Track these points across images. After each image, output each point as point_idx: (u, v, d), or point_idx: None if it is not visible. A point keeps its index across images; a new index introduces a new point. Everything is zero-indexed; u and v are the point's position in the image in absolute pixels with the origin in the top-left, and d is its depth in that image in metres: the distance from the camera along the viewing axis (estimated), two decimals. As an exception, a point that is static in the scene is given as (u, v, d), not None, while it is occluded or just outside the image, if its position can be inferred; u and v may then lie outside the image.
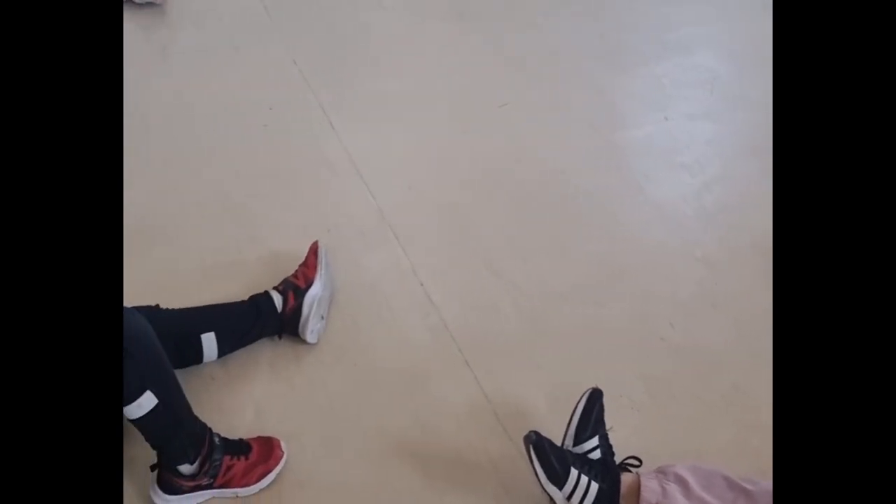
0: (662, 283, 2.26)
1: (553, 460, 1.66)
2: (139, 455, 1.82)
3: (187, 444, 1.74)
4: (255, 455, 1.84)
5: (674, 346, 2.10)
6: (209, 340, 1.97)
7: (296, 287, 2.09)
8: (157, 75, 2.88)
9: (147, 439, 1.73)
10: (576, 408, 1.77)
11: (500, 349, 2.09)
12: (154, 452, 1.76)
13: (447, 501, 1.81)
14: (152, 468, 1.78)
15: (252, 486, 1.82)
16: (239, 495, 1.82)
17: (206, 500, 1.81)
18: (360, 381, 2.02)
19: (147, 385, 1.65)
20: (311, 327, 2.06)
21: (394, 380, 2.02)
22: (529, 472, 1.76)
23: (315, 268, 2.14)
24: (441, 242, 2.34)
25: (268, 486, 1.83)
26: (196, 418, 1.78)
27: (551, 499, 1.72)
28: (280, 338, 2.09)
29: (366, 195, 2.47)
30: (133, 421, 1.68)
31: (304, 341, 2.08)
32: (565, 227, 2.41)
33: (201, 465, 1.77)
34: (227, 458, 1.80)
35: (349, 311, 2.16)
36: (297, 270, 2.14)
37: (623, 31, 3.14)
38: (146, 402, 1.65)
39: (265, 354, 2.07)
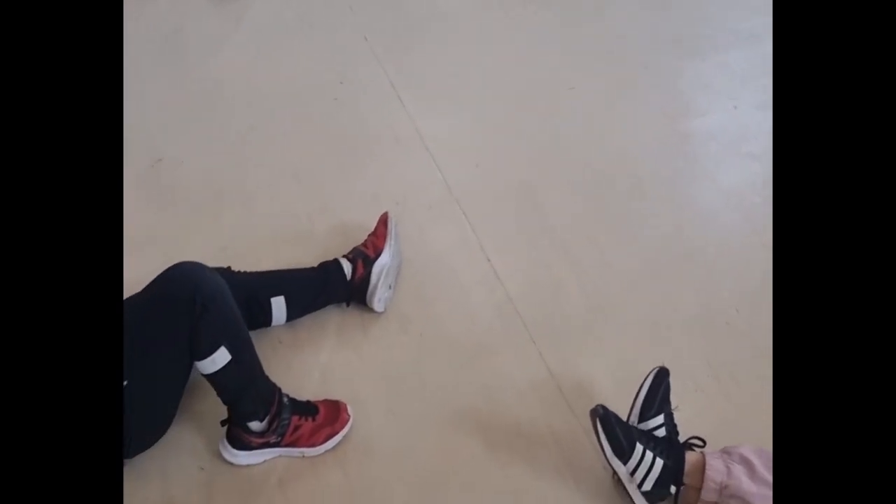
0: (729, 268, 2.25)
1: (619, 434, 1.67)
2: (209, 410, 1.87)
3: (258, 402, 1.78)
4: (322, 417, 1.87)
5: (739, 330, 2.10)
6: (279, 304, 2.00)
7: (365, 256, 2.12)
8: (232, 47, 2.94)
9: (220, 395, 1.78)
10: (642, 385, 1.78)
11: (565, 327, 2.10)
12: (224, 409, 1.81)
13: (509, 472, 1.83)
14: (223, 423, 1.83)
15: (318, 447, 1.86)
16: (305, 455, 1.86)
17: (273, 458, 1.85)
18: (425, 351, 2.05)
19: (221, 341, 1.70)
20: (379, 296, 2.09)
21: (458, 351, 2.04)
22: (592, 447, 1.77)
23: (384, 238, 2.16)
24: (508, 220, 2.35)
25: (333, 447, 1.86)
26: (267, 377, 1.82)
27: (614, 473, 1.73)
28: (348, 305, 2.13)
29: (434, 170, 2.49)
30: (207, 376, 1.73)
31: (371, 310, 2.11)
32: (633, 209, 2.41)
33: (270, 423, 1.80)
34: (295, 417, 1.83)
35: (416, 283, 2.19)
36: (366, 240, 2.17)
37: (693, 18, 3.12)
38: (220, 357, 1.70)
39: (333, 321, 2.10)
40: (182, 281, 1.70)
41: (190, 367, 1.75)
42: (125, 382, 1.64)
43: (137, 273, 1.75)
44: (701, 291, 2.19)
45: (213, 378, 1.74)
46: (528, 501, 1.79)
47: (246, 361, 1.76)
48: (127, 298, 1.74)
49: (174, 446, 1.85)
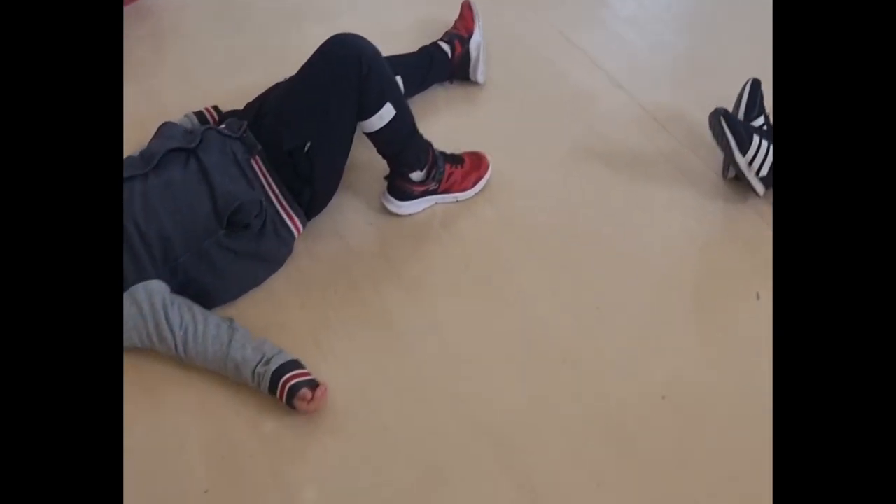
0: None
1: (740, 128, 1.99)
2: (358, 179, 2.09)
3: (418, 152, 2.00)
4: (468, 164, 2.11)
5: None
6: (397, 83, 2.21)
7: (459, 36, 2.34)
8: None
9: (383, 150, 1.98)
10: (742, 91, 2.09)
11: (650, 69, 2.39)
12: (379, 170, 2.02)
13: (631, 189, 2.13)
14: (386, 178, 2.04)
15: (469, 191, 2.11)
16: (458, 199, 2.10)
17: (430, 207, 2.09)
18: (528, 110, 2.31)
19: (387, 97, 1.90)
20: (481, 69, 2.33)
21: (558, 108, 2.32)
22: (699, 159, 2.09)
23: (472, 19, 2.38)
24: None
25: (480, 190, 2.11)
26: (421, 133, 2.03)
27: (728, 170, 2.06)
28: (451, 82, 2.35)
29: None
30: (372, 134, 1.93)
31: (472, 83, 2.34)
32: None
33: (428, 172, 2.03)
34: (447, 165, 2.07)
35: (503, 59, 2.43)
36: (455, 24, 2.38)
37: None
38: (386, 112, 1.90)
39: (440, 97, 2.33)
40: (346, 46, 1.88)
41: (354, 128, 1.95)
42: (308, 144, 1.84)
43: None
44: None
45: (378, 134, 1.93)
46: (657, 206, 2.09)
47: (407, 116, 1.97)
48: (293, 75, 1.92)
49: (338, 210, 2.06)
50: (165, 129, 2.01)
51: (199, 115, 2.17)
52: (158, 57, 2.52)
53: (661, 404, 1.70)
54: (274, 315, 1.86)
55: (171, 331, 1.71)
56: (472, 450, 1.65)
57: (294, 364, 1.70)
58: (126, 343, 1.73)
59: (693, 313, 1.87)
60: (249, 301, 1.90)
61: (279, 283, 1.93)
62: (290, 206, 1.89)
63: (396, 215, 2.07)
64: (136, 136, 2.08)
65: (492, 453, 1.65)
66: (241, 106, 2.13)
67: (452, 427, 1.69)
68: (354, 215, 2.08)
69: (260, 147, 1.88)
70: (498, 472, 1.62)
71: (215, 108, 2.20)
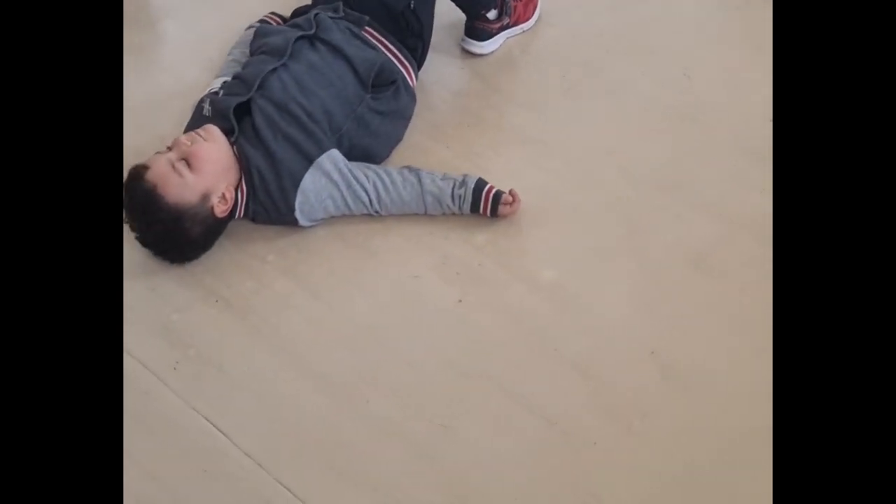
0: None
1: None
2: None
3: (492, -9, 2.23)
4: (524, -4, 2.36)
5: None
6: None
7: None
8: None
9: (461, -2, 2.20)
10: None
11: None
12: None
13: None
14: (466, 24, 2.26)
15: (531, 20, 2.36)
16: (524, 30, 2.36)
17: (504, 42, 2.33)
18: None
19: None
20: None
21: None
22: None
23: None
24: None
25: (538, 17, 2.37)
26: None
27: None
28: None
29: None
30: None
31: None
32: None
33: (500, 10, 2.27)
34: (511, 1, 2.31)
35: None
36: None
37: None
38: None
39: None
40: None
41: None
42: (412, 1, 2.04)
43: None
44: None
45: None
46: None
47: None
48: None
49: (431, 65, 2.24)
50: (261, 30, 2.13)
51: (264, 21, 2.29)
52: None
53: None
54: (426, 162, 2.04)
55: (363, 187, 1.90)
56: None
57: (483, 180, 1.93)
58: (322, 214, 1.91)
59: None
60: (400, 157, 2.09)
61: (416, 136, 2.14)
62: (409, 62, 2.10)
63: (481, 55, 2.30)
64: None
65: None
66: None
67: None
68: (445, 68, 2.29)
69: (367, 18, 2.06)
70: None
71: (274, 13, 2.32)
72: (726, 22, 2.40)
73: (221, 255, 1.93)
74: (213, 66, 2.24)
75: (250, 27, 2.24)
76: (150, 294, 1.88)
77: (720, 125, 2.10)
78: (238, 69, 2.10)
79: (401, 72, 2.07)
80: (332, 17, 2.05)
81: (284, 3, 2.29)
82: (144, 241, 1.83)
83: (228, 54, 2.23)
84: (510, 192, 1.91)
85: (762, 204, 1.90)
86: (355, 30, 2.05)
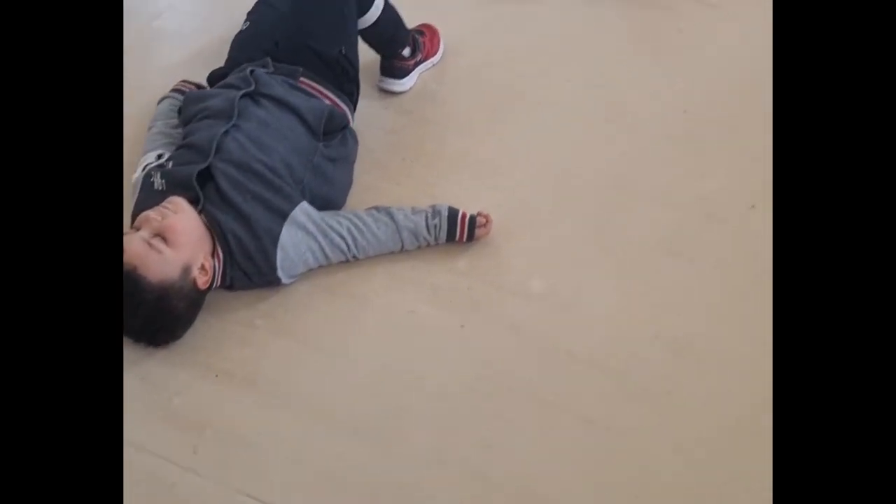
0: None
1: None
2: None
3: (404, 30, 2.30)
4: (429, 32, 2.46)
5: None
6: None
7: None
8: None
9: (381, 36, 2.26)
10: None
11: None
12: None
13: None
14: (382, 62, 2.32)
15: (438, 53, 2.45)
16: (434, 63, 2.45)
17: (418, 77, 2.41)
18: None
19: (373, -9, 2.18)
20: None
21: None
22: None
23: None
24: None
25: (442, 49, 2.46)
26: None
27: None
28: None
29: None
30: (372, 25, 2.20)
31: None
32: None
33: (413, 47, 2.35)
34: (418, 37, 2.39)
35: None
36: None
37: None
38: (378, 3, 2.18)
39: None
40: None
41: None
42: (342, 48, 2.08)
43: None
44: None
45: (377, 24, 2.20)
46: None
47: (393, 7, 2.25)
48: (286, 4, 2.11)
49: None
50: (192, 95, 2.08)
51: (178, 91, 2.24)
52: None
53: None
54: (383, 201, 2.04)
55: (340, 234, 1.91)
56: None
57: (454, 207, 1.99)
58: (302, 268, 1.90)
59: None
60: (357, 200, 2.10)
61: (365, 178, 2.16)
62: (347, 107, 2.13)
63: (401, 92, 2.36)
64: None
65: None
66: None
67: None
68: (370, 109, 2.31)
69: (301, 69, 2.07)
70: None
71: (187, 81, 2.27)
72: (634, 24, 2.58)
73: (206, 330, 1.86)
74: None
75: (163, 99, 2.18)
76: (141, 383, 1.77)
77: (642, 120, 2.27)
78: (166, 140, 2.04)
79: (342, 117, 2.08)
80: (267, 73, 2.03)
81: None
82: (131, 328, 1.73)
83: (149, 128, 2.15)
84: (481, 214, 1.96)
85: (706, 186, 2.07)
86: (292, 82, 2.04)
